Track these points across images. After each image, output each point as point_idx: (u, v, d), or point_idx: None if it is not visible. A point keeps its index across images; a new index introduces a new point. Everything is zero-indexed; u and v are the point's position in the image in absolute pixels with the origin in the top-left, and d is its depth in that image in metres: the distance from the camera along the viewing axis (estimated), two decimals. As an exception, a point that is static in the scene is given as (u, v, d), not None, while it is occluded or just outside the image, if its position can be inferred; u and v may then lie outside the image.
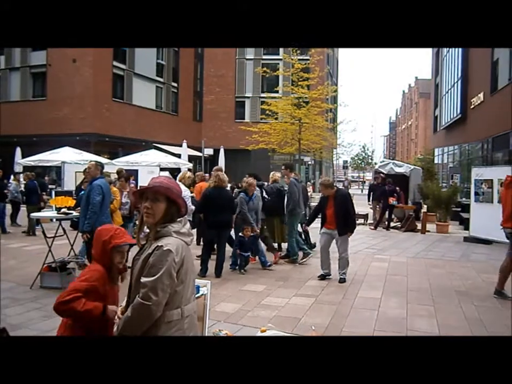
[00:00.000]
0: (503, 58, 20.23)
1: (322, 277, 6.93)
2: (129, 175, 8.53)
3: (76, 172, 12.45)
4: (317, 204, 7.28)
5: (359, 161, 64.38)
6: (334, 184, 7.32)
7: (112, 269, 2.59)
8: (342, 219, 6.75)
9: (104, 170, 6.27)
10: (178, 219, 2.22)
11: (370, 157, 65.31)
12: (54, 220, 7.24)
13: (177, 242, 2.14)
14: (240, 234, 7.56)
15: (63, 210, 6.59)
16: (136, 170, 13.41)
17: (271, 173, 9.99)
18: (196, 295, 2.62)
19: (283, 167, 8.51)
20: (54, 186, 18.74)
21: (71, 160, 15.14)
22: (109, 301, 2.49)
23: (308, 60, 23.55)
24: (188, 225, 2.27)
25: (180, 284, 2.14)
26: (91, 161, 6.43)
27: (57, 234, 6.57)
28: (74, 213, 6.54)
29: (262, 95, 33.57)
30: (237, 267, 7.44)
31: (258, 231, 7.71)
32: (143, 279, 2.06)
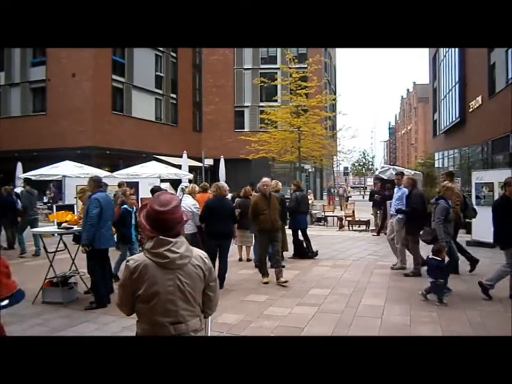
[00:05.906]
0: (500, 62, 20.33)
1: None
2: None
3: (77, 186, 12.44)
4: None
5: (360, 167, 64.33)
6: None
7: None
8: None
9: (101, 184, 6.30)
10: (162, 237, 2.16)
11: (371, 163, 65.31)
12: (56, 234, 7.22)
13: (140, 260, 2.16)
14: (430, 256, 6.18)
15: (63, 224, 6.58)
16: (137, 182, 13.47)
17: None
18: None
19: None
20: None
21: (72, 174, 15.24)
22: None
23: (305, 68, 23.65)
24: (178, 244, 2.18)
25: (142, 302, 2.14)
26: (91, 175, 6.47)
27: (58, 249, 6.59)
28: (76, 227, 6.56)
29: (261, 104, 33.72)
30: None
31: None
32: None
